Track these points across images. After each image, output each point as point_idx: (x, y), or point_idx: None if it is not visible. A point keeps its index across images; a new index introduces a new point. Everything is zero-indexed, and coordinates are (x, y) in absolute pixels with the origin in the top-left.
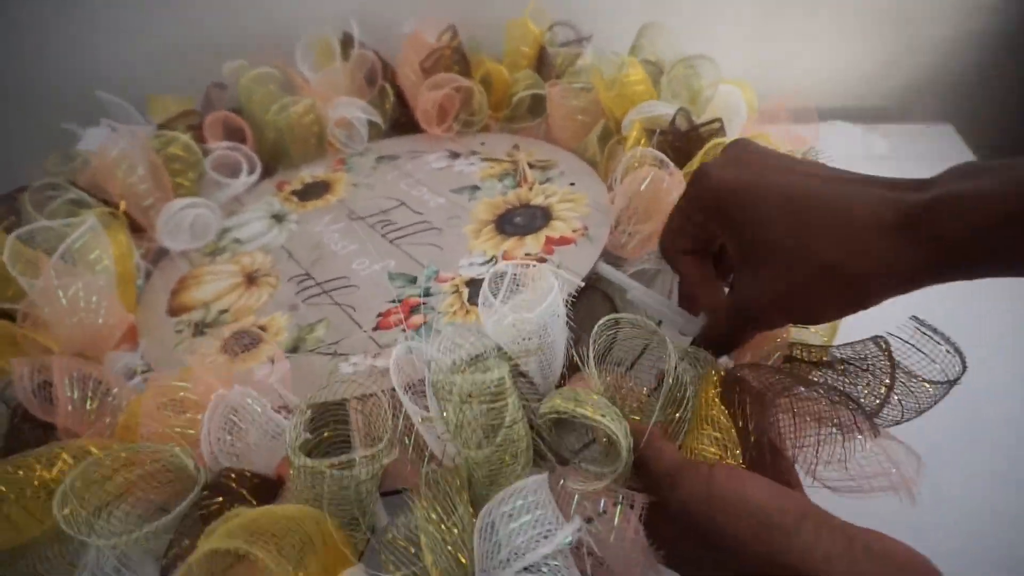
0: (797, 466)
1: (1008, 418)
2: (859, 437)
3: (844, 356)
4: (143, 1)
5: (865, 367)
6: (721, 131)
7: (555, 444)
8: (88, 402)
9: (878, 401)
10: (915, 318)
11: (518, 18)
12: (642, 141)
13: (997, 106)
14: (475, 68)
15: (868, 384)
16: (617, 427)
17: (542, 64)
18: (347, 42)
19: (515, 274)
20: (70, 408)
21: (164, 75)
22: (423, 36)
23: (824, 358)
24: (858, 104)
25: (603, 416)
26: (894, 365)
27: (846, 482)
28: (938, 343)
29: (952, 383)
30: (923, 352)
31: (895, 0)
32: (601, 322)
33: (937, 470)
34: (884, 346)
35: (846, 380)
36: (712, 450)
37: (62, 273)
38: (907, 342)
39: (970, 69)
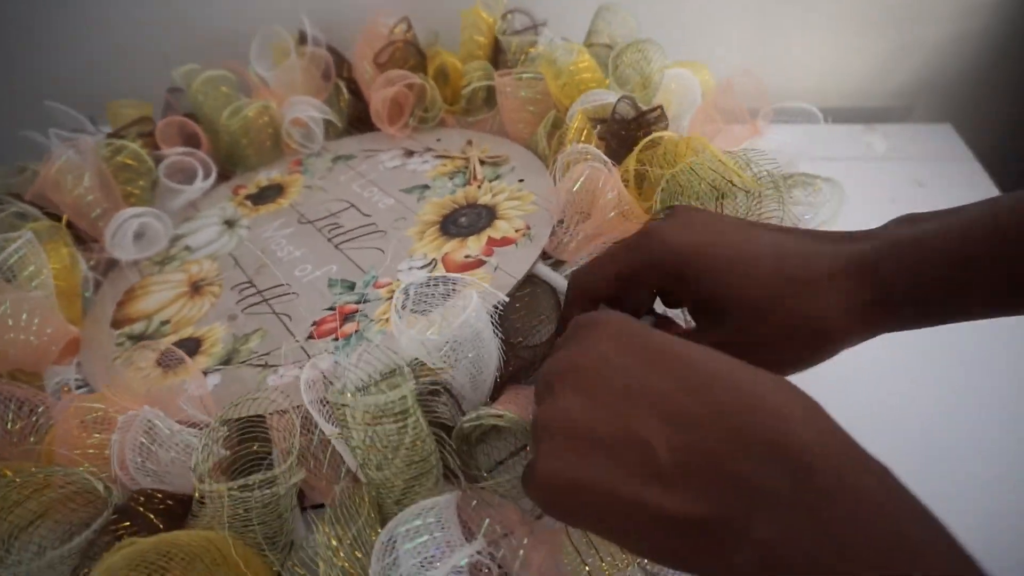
0: None
1: (1008, 417)
2: None
3: None
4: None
5: None
6: (662, 118)
7: (476, 457)
8: (9, 423)
9: None
10: None
11: (471, 7)
12: (585, 131)
13: (997, 106)
14: (430, 60)
15: None
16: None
17: (498, 53)
18: (302, 38)
19: (418, 293)
20: None
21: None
22: (378, 28)
23: None
24: (858, 104)
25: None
26: None
27: None
28: None
29: None
30: None
31: (895, 0)
32: None
33: (937, 468)
34: None
35: None
36: None
37: None
38: None
39: (970, 69)
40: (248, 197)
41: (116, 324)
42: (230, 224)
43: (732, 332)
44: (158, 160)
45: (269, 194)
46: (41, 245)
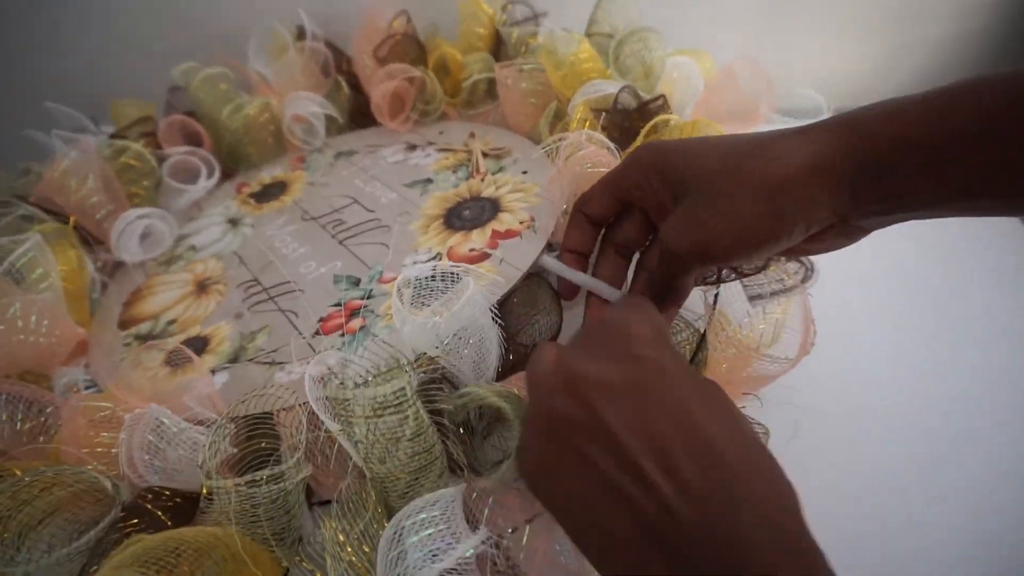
0: None
1: (1009, 415)
2: None
3: None
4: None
5: None
6: (665, 107)
7: (485, 451)
8: (19, 423)
9: None
10: None
11: None
12: (588, 122)
13: None
14: (431, 52)
15: None
16: (509, 401)
17: (498, 45)
18: (300, 34)
19: (424, 279)
20: None
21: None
22: (377, 21)
23: None
24: (858, 104)
25: (498, 395)
26: None
27: None
28: None
29: None
30: None
31: (895, 0)
32: None
33: (937, 467)
34: None
35: None
36: None
37: (1, 293)
38: None
39: (970, 69)
40: (251, 195)
41: (123, 325)
42: (234, 223)
43: (698, 218)
44: (161, 160)
45: (272, 191)
46: (49, 247)
